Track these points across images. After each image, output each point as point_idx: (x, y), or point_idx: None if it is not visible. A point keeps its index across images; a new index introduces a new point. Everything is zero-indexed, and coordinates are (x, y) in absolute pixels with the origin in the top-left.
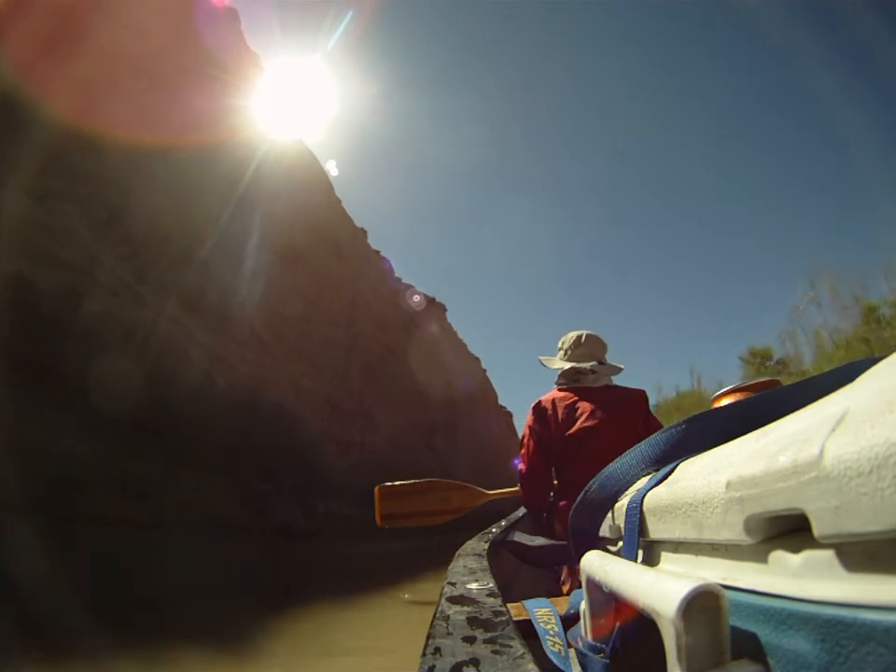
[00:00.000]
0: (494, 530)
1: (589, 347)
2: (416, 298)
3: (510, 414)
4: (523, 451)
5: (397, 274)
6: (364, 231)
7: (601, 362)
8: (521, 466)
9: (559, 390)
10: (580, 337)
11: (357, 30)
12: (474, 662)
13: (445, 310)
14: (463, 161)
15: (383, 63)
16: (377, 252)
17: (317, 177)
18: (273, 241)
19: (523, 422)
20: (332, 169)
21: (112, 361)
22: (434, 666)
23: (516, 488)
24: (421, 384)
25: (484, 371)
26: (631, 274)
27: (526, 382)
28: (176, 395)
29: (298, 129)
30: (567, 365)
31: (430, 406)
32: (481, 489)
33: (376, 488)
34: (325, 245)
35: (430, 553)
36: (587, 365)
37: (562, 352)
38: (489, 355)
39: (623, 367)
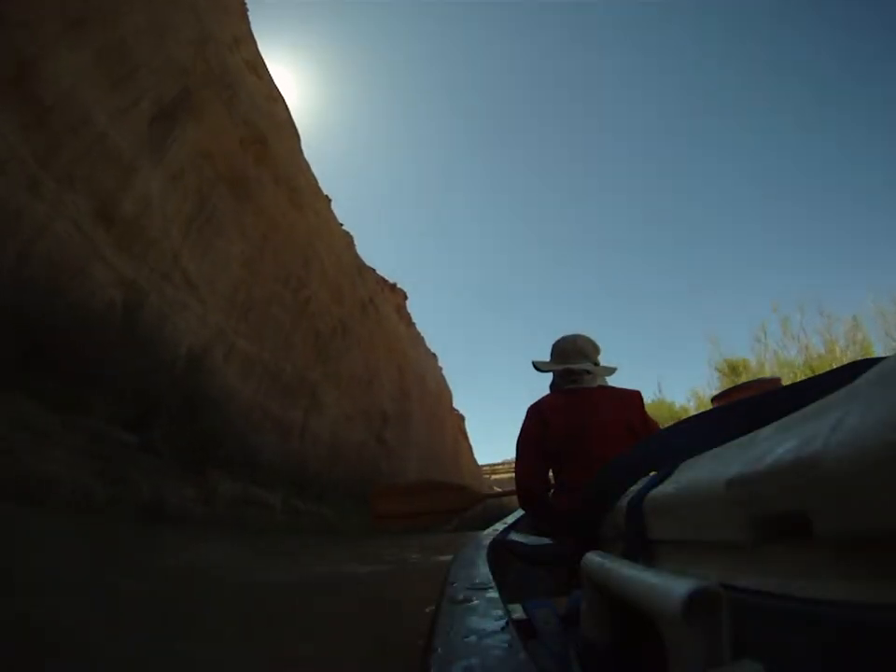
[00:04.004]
0: (494, 530)
1: (583, 349)
2: None
3: (462, 417)
4: (520, 453)
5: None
6: (328, 198)
7: (595, 364)
8: (518, 468)
9: (554, 392)
10: (573, 339)
11: None
12: (474, 662)
13: (406, 297)
14: (435, 152)
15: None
16: (340, 224)
17: (278, 107)
18: (215, 158)
19: (474, 425)
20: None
21: None
22: (434, 666)
23: (513, 489)
24: (374, 369)
25: (440, 368)
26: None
27: (481, 390)
28: (56, 312)
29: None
30: (562, 367)
31: (383, 395)
32: (478, 490)
33: (372, 489)
34: (279, 185)
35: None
36: (582, 366)
37: (556, 355)
38: (446, 356)
39: (616, 368)
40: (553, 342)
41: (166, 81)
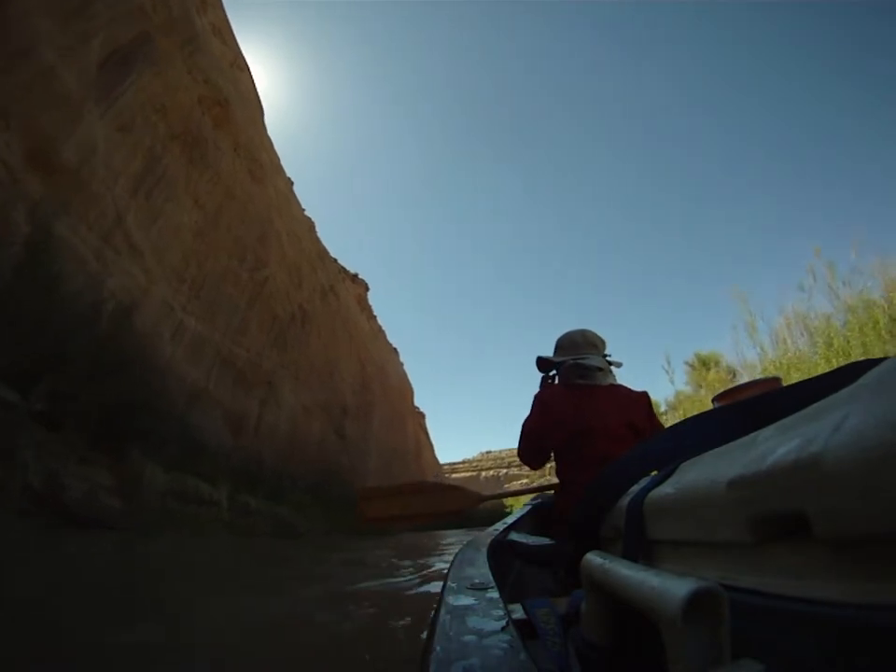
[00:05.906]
0: (494, 530)
1: (593, 342)
2: None
3: (423, 415)
4: (523, 439)
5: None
6: (290, 181)
7: (604, 356)
8: (520, 451)
9: (562, 385)
10: (583, 332)
11: None
12: (474, 662)
13: (367, 289)
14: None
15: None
16: (302, 209)
17: (243, 76)
18: (170, 114)
19: (434, 426)
20: None
21: None
22: (434, 666)
23: (513, 491)
24: (335, 359)
25: (402, 363)
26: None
27: (440, 391)
28: None
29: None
30: (570, 361)
31: (344, 387)
32: (477, 491)
33: (358, 490)
34: (239, 154)
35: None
36: (594, 363)
37: (565, 347)
38: (406, 354)
39: (622, 363)
40: (515, 341)
41: (124, 21)
